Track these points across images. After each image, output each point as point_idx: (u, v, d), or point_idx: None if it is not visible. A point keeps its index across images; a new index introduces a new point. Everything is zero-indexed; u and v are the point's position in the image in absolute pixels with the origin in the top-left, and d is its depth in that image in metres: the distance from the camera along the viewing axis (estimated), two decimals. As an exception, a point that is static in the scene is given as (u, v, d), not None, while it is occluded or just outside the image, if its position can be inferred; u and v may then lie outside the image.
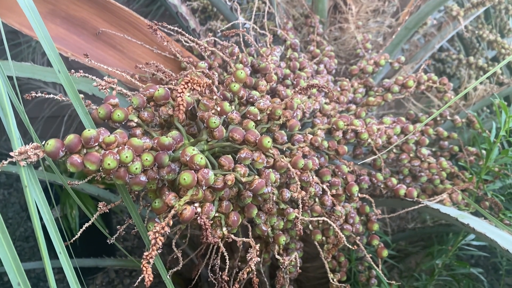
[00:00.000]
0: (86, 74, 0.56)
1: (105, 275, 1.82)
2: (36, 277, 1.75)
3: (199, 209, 0.48)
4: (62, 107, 1.87)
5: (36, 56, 1.86)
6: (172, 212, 0.46)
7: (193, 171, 0.47)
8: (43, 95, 0.52)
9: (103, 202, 0.55)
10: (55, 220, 0.46)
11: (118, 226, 0.60)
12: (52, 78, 0.93)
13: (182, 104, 0.45)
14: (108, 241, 0.61)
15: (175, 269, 0.64)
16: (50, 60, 0.47)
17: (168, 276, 0.53)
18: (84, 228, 0.55)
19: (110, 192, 1.37)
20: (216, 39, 0.83)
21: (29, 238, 1.95)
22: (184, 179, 0.46)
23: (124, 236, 2.01)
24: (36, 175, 0.44)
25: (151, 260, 0.44)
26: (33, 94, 0.52)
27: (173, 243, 0.64)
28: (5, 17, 0.77)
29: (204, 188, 0.49)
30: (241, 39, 0.85)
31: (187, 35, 0.73)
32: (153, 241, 0.44)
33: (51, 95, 0.52)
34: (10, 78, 0.48)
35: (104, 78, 0.55)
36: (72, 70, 0.54)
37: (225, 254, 0.56)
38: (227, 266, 0.58)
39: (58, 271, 1.66)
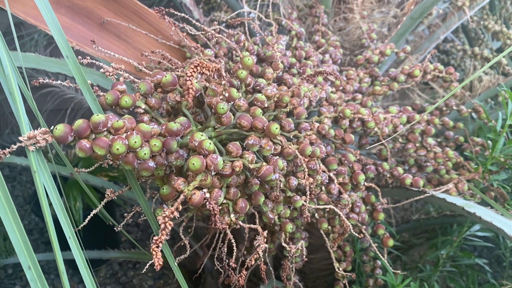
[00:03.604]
0: (93, 60, 0.56)
1: (109, 267, 1.83)
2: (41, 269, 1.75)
3: (207, 195, 0.48)
4: (65, 100, 1.87)
5: (39, 49, 1.85)
6: (181, 197, 0.46)
7: (202, 156, 0.47)
8: (50, 81, 0.52)
9: (111, 189, 0.54)
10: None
11: (125, 214, 0.60)
12: (56, 69, 0.93)
13: (192, 88, 0.45)
14: (115, 228, 0.61)
15: (182, 257, 0.64)
16: (58, 45, 0.47)
17: (175, 264, 0.53)
18: (89, 217, 0.54)
19: (114, 184, 1.38)
20: (222, 27, 0.82)
21: (33, 231, 1.95)
22: (193, 164, 0.46)
23: (128, 229, 2.01)
24: (45, 160, 0.44)
25: (160, 245, 0.44)
26: (40, 80, 0.52)
27: (180, 231, 0.64)
28: (10, 7, 0.77)
29: (212, 173, 0.49)
30: (246, 29, 0.85)
31: (194, 21, 0.73)
32: (162, 226, 0.44)
33: (59, 81, 0.52)
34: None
35: (111, 64, 0.55)
36: (79, 57, 0.53)
37: (233, 241, 0.56)
38: (234, 254, 0.58)
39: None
